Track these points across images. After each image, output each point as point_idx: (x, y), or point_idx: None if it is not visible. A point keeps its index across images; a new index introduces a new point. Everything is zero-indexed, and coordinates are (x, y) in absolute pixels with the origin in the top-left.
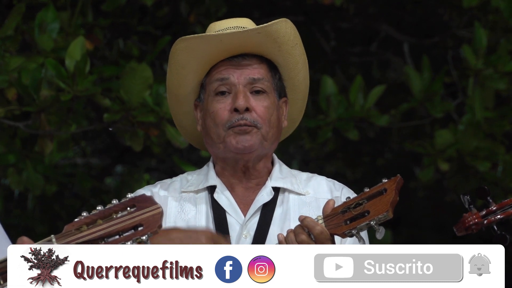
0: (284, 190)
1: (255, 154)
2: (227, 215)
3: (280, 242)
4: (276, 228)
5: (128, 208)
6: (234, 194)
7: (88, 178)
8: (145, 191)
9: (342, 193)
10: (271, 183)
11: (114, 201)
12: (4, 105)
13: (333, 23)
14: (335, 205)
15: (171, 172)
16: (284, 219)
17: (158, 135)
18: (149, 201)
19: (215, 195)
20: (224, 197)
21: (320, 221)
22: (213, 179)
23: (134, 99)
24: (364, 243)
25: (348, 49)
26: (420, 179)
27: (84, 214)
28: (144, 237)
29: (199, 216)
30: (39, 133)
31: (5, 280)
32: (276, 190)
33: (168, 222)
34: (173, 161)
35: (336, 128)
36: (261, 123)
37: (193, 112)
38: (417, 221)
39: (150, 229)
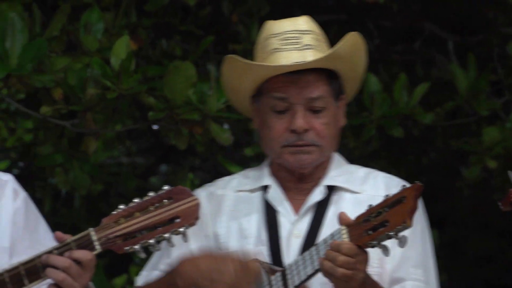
0: (340, 188)
1: (313, 166)
2: (278, 214)
3: (342, 221)
4: (328, 228)
5: (165, 200)
6: (287, 194)
7: (133, 178)
8: (202, 190)
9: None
10: (325, 181)
11: (151, 194)
12: (50, 105)
13: (376, 22)
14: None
15: (215, 171)
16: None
17: (202, 133)
18: (185, 193)
19: (268, 195)
20: (277, 197)
21: (344, 232)
22: (267, 178)
23: (178, 97)
24: (388, 253)
25: (391, 48)
26: (466, 177)
27: (122, 207)
28: (181, 229)
29: (251, 215)
30: (85, 131)
31: (31, 280)
32: (331, 188)
33: (221, 220)
34: (217, 160)
35: (380, 125)
36: (320, 142)
37: (249, 105)
38: (462, 220)
39: (187, 221)
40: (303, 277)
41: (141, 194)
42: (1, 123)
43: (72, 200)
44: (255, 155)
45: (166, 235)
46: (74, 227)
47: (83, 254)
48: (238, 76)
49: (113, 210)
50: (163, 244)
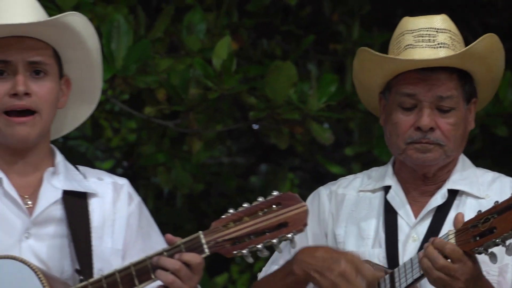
0: (462, 192)
1: (436, 167)
2: (398, 217)
3: (456, 223)
4: None
5: (274, 206)
6: (408, 196)
7: (234, 177)
8: (325, 188)
9: None
10: (448, 185)
11: (260, 199)
12: (154, 105)
13: (481, 19)
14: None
15: (315, 171)
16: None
17: (302, 133)
18: (294, 199)
19: (388, 196)
20: (398, 198)
21: (451, 236)
22: (390, 179)
23: (279, 97)
24: (496, 261)
25: None
26: None
27: (231, 211)
28: (289, 235)
29: (370, 216)
30: (188, 132)
31: (142, 281)
32: (454, 192)
33: (340, 220)
34: (317, 160)
35: (484, 124)
36: (445, 142)
37: (377, 102)
38: None
39: (296, 228)
40: (410, 280)
41: (242, 193)
42: (106, 123)
43: (174, 199)
44: (356, 154)
45: (274, 240)
46: (176, 226)
47: (192, 257)
48: (368, 70)
49: (213, 209)
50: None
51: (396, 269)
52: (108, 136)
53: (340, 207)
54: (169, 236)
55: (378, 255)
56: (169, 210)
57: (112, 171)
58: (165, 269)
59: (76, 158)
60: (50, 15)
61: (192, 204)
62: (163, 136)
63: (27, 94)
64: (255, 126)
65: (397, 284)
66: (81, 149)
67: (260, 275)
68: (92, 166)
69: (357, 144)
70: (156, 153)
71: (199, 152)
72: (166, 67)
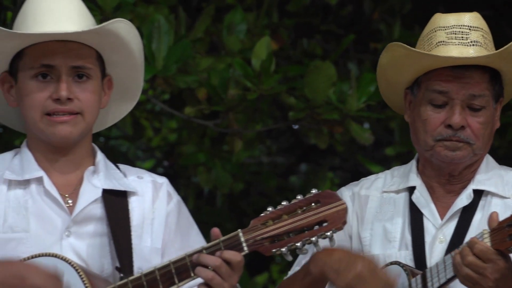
0: (488, 193)
1: (463, 165)
2: (424, 218)
3: (491, 222)
4: (474, 234)
5: (313, 204)
6: (433, 196)
7: (273, 176)
8: (347, 189)
9: None
10: (473, 185)
11: (299, 197)
12: (194, 105)
13: None
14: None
15: (355, 170)
16: (484, 224)
17: (342, 133)
18: (333, 197)
19: (413, 197)
20: (423, 199)
21: (486, 235)
22: (414, 179)
23: (318, 97)
24: None
25: None
26: None
27: (270, 209)
28: (328, 233)
29: (396, 218)
30: (228, 131)
31: (181, 279)
32: (479, 192)
33: (366, 223)
34: (357, 160)
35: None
36: (474, 140)
37: (403, 98)
38: None
39: (335, 225)
40: (443, 280)
41: (281, 193)
42: (147, 123)
43: (214, 198)
44: (396, 154)
45: (313, 238)
46: (216, 225)
47: (233, 255)
48: (399, 65)
49: (253, 209)
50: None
51: (428, 269)
52: (149, 135)
53: (364, 209)
54: (216, 230)
55: (404, 257)
56: (209, 209)
57: (152, 170)
58: (205, 266)
59: (117, 158)
60: (91, 16)
61: (232, 204)
62: (203, 136)
63: (69, 99)
64: (295, 126)
65: (429, 284)
66: (122, 149)
67: (285, 278)
68: (133, 165)
69: (397, 143)
70: (196, 152)
71: (239, 151)
72: (206, 66)
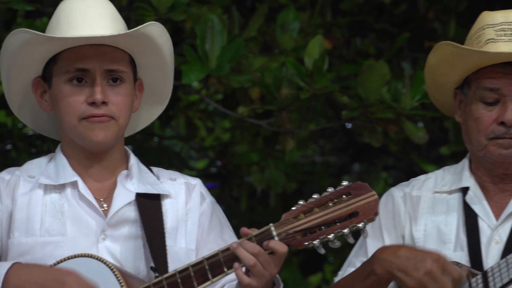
0: None
1: None
2: (478, 219)
3: None
4: None
5: (344, 196)
6: (487, 196)
7: (327, 176)
8: (398, 189)
9: None
10: None
11: (330, 189)
12: (248, 104)
13: None
14: None
15: (409, 170)
16: None
17: (396, 132)
18: (364, 188)
19: (467, 198)
20: (477, 200)
21: None
22: (467, 180)
23: (372, 96)
24: None
25: None
26: None
27: (301, 202)
28: (360, 225)
29: (450, 219)
30: (280, 131)
31: (215, 275)
32: None
33: (418, 224)
34: (411, 159)
35: None
36: None
37: (452, 99)
38: None
39: (366, 217)
40: (506, 280)
41: None
42: (200, 123)
43: (267, 198)
44: (451, 154)
45: (345, 230)
46: None
47: (279, 246)
48: (449, 64)
49: None
50: (360, 241)
51: (489, 269)
52: (202, 135)
53: (417, 209)
54: (244, 229)
55: (460, 259)
56: (262, 209)
57: (205, 170)
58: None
59: (171, 158)
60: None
61: (285, 203)
62: (256, 135)
63: (104, 102)
64: (349, 125)
65: (491, 284)
66: (176, 149)
67: (336, 279)
68: (186, 165)
69: (452, 142)
70: (249, 152)
71: (292, 151)
72: (260, 66)
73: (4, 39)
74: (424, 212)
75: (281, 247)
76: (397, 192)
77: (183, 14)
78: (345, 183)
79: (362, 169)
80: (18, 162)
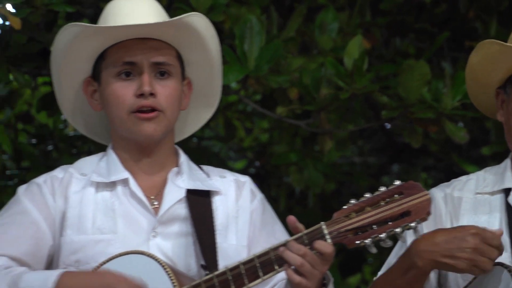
0: None
1: None
2: None
3: None
4: None
5: (396, 195)
6: None
7: (365, 177)
8: (439, 190)
9: None
10: None
11: (382, 188)
12: (286, 105)
13: None
14: None
15: (449, 170)
16: None
17: (437, 132)
18: (417, 187)
19: (510, 199)
20: None
21: None
22: (509, 181)
23: (412, 96)
24: None
25: None
26: None
27: (353, 201)
28: (412, 224)
29: (492, 220)
30: (319, 131)
31: (265, 272)
32: None
33: (461, 224)
34: (452, 160)
35: None
36: None
37: (494, 99)
38: None
39: (419, 216)
40: None
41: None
42: (239, 123)
43: (306, 198)
44: (493, 154)
45: (398, 229)
46: (308, 225)
47: (323, 246)
48: (492, 63)
49: None
50: (400, 242)
51: None
52: (241, 136)
53: (458, 211)
54: (291, 217)
55: (504, 260)
56: (301, 209)
57: (244, 171)
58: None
59: (210, 158)
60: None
61: (323, 204)
62: (295, 136)
63: (152, 94)
64: (388, 126)
65: None
66: (215, 149)
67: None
68: (225, 166)
69: (494, 143)
70: (288, 152)
71: (331, 151)
72: (298, 66)
73: (46, 41)
74: (466, 213)
75: (326, 248)
76: (438, 193)
77: (222, 15)
78: (397, 182)
79: (401, 169)
80: (59, 162)
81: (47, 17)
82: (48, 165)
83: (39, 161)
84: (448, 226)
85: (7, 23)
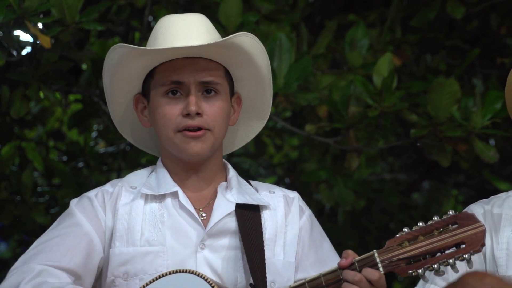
0: None
1: None
2: None
3: None
4: None
5: (450, 225)
6: None
7: (396, 194)
8: (477, 206)
9: None
10: None
11: (435, 218)
12: (315, 122)
13: None
14: None
15: (481, 187)
16: None
17: (466, 150)
18: (471, 218)
19: None
20: None
21: None
22: None
23: (442, 114)
24: None
25: None
26: None
27: (405, 230)
28: (466, 255)
29: None
30: (348, 148)
31: None
32: None
33: (500, 242)
34: (483, 177)
35: None
36: None
37: None
38: None
39: (473, 248)
40: None
41: (404, 210)
42: (269, 140)
43: (335, 215)
44: None
45: (450, 260)
46: (338, 242)
47: (370, 273)
48: None
49: (375, 226)
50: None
51: None
52: (271, 153)
53: (498, 228)
54: (345, 260)
55: None
56: (331, 226)
57: None
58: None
59: (240, 175)
60: (219, 34)
61: (353, 220)
62: (325, 153)
63: (198, 114)
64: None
65: None
66: (245, 166)
67: None
68: None
69: None
70: (318, 170)
71: (361, 168)
72: (328, 83)
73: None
74: (506, 231)
75: (372, 274)
76: (477, 209)
77: (252, 33)
78: (451, 212)
79: (431, 186)
80: (89, 179)
81: (78, 35)
82: (79, 182)
83: (69, 178)
84: (488, 243)
85: (37, 41)
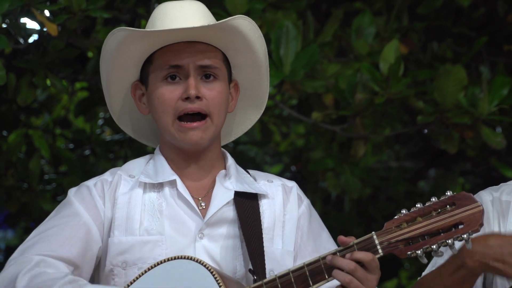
0: None
1: None
2: None
3: None
4: None
5: (448, 206)
6: None
7: (402, 182)
8: (486, 193)
9: None
10: None
11: (433, 199)
12: (321, 110)
13: None
14: None
15: (488, 175)
16: None
17: (473, 137)
18: (469, 199)
19: None
20: None
21: None
22: None
23: (448, 101)
24: None
25: None
26: None
27: (404, 211)
28: (464, 235)
29: None
30: (354, 136)
31: (315, 282)
32: None
33: (509, 229)
34: (489, 164)
35: None
36: None
37: None
38: None
39: (471, 228)
40: None
41: (410, 198)
42: (275, 128)
43: (342, 203)
44: None
45: (449, 240)
46: (344, 230)
47: (364, 255)
48: None
49: (381, 214)
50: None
51: None
52: (277, 141)
53: (506, 215)
54: (341, 237)
55: None
56: (337, 214)
57: (280, 175)
58: (340, 269)
59: (246, 163)
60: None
61: (359, 208)
62: (331, 141)
63: (198, 97)
64: (425, 130)
65: None
66: (251, 154)
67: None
68: (261, 170)
69: None
70: (324, 158)
71: (367, 156)
72: (334, 71)
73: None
74: None
75: (366, 256)
76: (486, 196)
77: (258, 20)
78: (448, 193)
79: (438, 174)
80: (96, 167)
81: (85, 23)
82: (85, 170)
83: (76, 166)
84: (496, 226)
85: (44, 29)
